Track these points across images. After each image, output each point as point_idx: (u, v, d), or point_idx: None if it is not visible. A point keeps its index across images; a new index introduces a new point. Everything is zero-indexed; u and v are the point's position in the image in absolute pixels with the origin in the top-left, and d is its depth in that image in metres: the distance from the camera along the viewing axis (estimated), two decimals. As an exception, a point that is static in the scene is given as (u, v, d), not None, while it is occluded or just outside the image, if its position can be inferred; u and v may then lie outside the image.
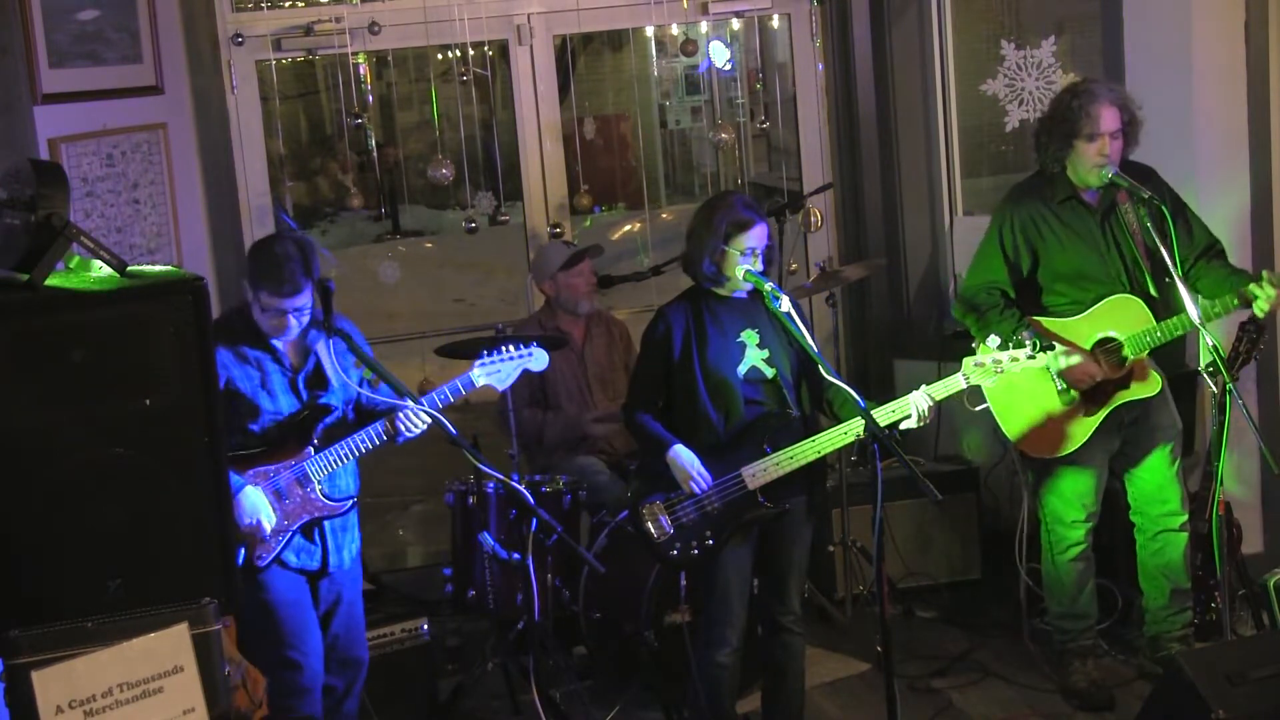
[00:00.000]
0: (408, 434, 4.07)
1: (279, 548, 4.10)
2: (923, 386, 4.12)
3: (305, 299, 4.04)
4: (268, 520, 4.03)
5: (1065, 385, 4.62)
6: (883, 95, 6.40)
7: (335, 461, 4.11)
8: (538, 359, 4.26)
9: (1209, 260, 4.62)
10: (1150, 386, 4.62)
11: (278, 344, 4.13)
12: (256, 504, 4.02)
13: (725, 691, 4.33)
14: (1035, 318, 4.67)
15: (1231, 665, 3.68)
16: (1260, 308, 4.41)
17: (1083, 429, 4.65)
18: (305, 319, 4.07)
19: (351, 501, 4.20)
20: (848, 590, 5.66)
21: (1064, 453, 4.69)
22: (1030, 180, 4.80)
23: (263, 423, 4.10)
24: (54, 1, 4.91)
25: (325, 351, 4.14)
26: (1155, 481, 4.78)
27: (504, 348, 4.24)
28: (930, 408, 4.08)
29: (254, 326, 4.11)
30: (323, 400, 4.16)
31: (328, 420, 4.15)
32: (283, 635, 4.16)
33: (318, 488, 4.11)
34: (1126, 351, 4.57)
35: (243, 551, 4.03)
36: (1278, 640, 4.42)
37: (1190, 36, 5.25)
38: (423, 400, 4.09)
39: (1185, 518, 4.80)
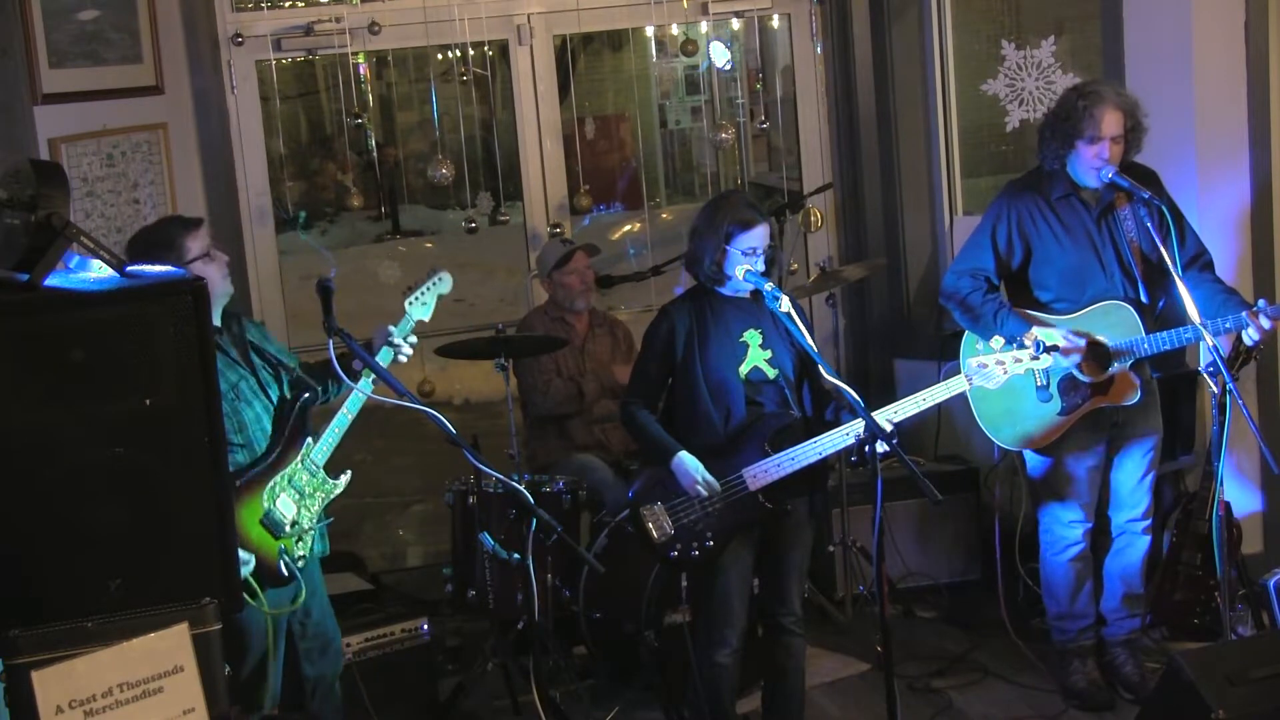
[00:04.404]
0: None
1: None
2: (920, 391, 4.12)
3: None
4: None
5: (1046, 385, 4.61)
6: (883, 95, 6.40)
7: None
8: (445, 281, 4.32)
9: (1199, 270, 4.59)
10: (1128, 395, 4.60)
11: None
12: None
13: (725, 691, 4.33)
14: (1024, 310, 4.67)
15: (1231, 665, 3.68)
16: (1250, 335, 4.41)
17: (1056, 429, 4.66)
18: None
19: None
20: (848, 590, 5.66)
21: (1037, 446, 4.70)
22: (1028, 175, 4.77)
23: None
24: (54, 1, 4.92)
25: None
26: (1128, 486, 4.78)
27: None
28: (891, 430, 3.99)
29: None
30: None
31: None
32: None
33: None
34: (1113, 360, 4.55)
35: None
36: (1278, 640, 4.42)
37: (1190, 36, 5.25)
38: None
39: (1149, 523, 4.81)
